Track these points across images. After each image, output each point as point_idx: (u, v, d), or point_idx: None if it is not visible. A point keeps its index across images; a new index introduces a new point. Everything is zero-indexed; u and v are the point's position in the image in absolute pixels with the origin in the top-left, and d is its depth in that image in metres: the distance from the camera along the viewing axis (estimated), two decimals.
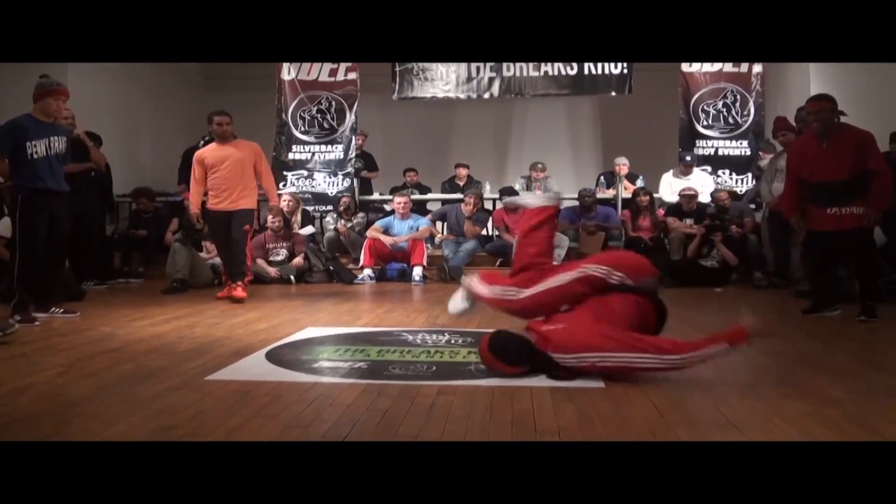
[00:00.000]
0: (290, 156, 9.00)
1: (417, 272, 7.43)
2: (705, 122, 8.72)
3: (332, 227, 8.11)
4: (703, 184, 8.09)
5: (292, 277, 7.25)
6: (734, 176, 8.65)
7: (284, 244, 7.48)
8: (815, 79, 7.87)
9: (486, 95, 9.12)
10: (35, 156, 4.49)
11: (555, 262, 3.52)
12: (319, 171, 8.96)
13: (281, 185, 8.76)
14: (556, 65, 8.84)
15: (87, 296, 5.75)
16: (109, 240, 7.64)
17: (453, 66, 8.97)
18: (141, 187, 8.22)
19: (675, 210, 7.74)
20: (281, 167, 8.93)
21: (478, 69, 8.98)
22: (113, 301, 5.72)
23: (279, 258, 7.43)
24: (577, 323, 2.88)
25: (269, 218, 7.28)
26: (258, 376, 2.94)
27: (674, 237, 7.39)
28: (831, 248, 4.70)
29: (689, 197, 7.61)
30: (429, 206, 9.28)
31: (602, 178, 9.12)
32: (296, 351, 3.52)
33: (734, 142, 8.69)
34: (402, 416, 2.33)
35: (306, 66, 9.03)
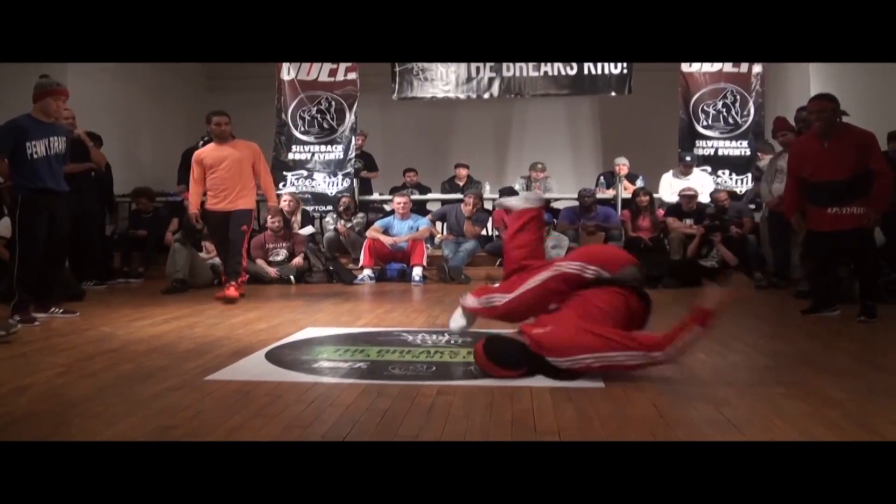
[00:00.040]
0: (290, 156, 9.01)
1: (417, 272, 7.43)
2: (705, 123, 8.72)
3: (331, 227, 8.11)
4: (702, 184, 8.09)
5: (292, 277, 7.25)
6: (734, 176, 8.66)
7: (284, 244, 7.48)
8: (814, 79, 7.88)
9: (486, 95, 9.12)
10: (35, 156, 4.49)
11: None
12: (319, 172, 8.96)
13: (281, 185, 8.76)
14: (555, 65, 8.85)
15: (86, 296, 5.75)
16: (109, 240, 7.64)
17: (453, 67, 8.97)
18: (141, 187, 8.22)
19: (674, 210, 7.74)
20: (281, 167, 8.93)
21: (478, 69, 8.98)
22: (113, 301, 5.72)
23: (279, 258, 7.43)
24: (564, 324, 2.87)
25: (269, 218, 7.28)
26: (258, 376, 2.94)
27: (673, 237, 7.39)
28: (831, 248, 4.70)
29: (688, 197, 7.62)
30: (429, 207, 9.28)
31: (602, 178, 9.12)
32: (296, 351, 3.52)
33: (734, 142, 8.70)
34: (401, 416, 2.33)
35: (306, 66, 9.04)
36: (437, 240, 8.25)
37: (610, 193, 8.64)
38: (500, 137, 11.25)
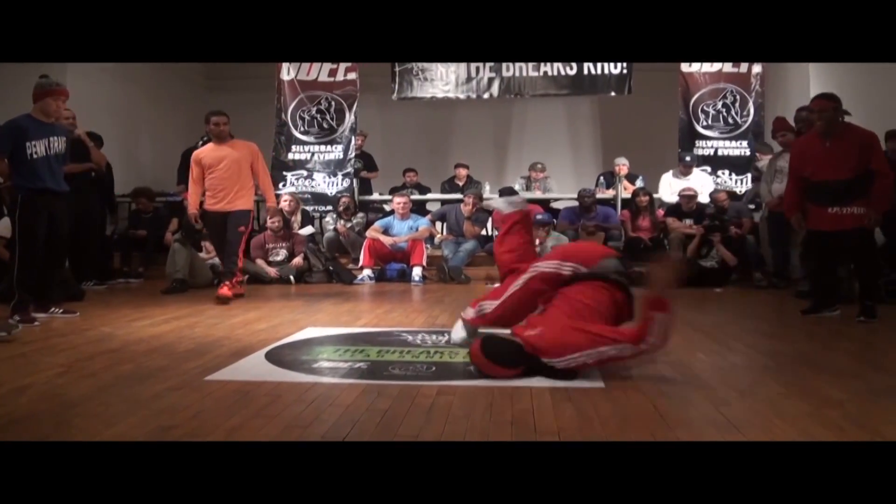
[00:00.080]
0: (290, 156, 9.01)
1: (417, 272, 7.43)
2: (705, 123, 8.72)
3: (331, 227, 8.11)
4: (702, 184, 8.09)
5: (292, 278, 7.25)
6: (734, 176, 8.66)
7: (284, 244, 7.48)
8: (814, 79, 7.87)
9: (486, 95, 9.12)
10: (34, 156, 4.49)
11: None
12: (319, 172, 8.96)
13: (280, 185, 8.76)
14: (555, 65, 8.85)
15: (86, 296, 5.75)
16: (109, 240, 7.63)
17: (453, 67, 8.97)
18: (140, 187, 8.22)
19: (674, 210, 7.74)
20: (280, 167, 8.94)
21: (477, 69, 8.98)
22: (113, 301, 5.71)
23: (279, 258, 7.43)
24: (553, 324, 2.87)
25: (268, 218, 7.28)
26: (258, 376, 2.94)
27: (673, 237, 7.39)
28: (831, 247, 4.70)
29: (688, 197, 7.62)
30: (428, 207, 9.28)
31: (602, 178, 9.12)
32: (295, 351, 3.52)
33: (734, 142, 8.70)
34: (401, 416, 2.33)
35: (306, 66, 9.04)
36: (436, 240, 8.25)
37: (610, 193, 8.65)
38: (500, 137, 11.25)
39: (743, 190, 8.41)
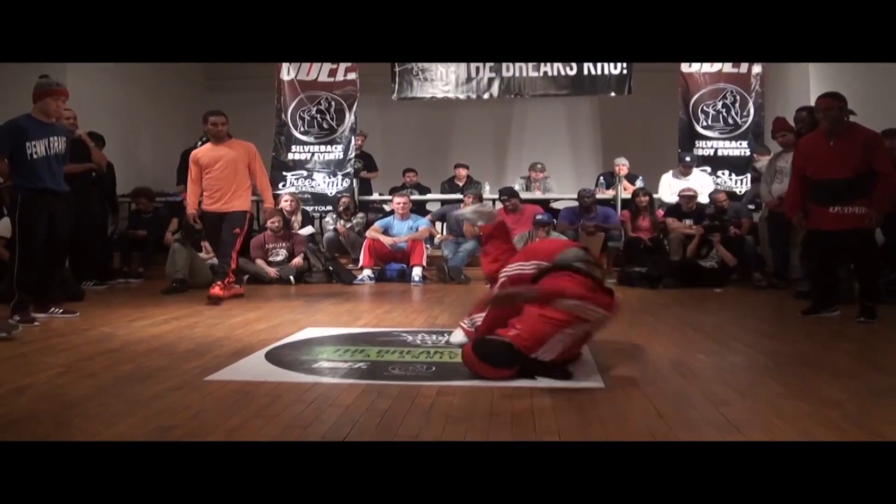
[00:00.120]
0: (290, 156, 9.01)
1: (417, 273, 7.43)
2: (705, 123, 8.72)
3: (331, 227, 8.11)
4: (702, 184, 8.09)
5: (292, 278, 7.24)
6: (734, 176, 8.66)
7: (284, 244, 7.48)
8: (814, 79, 7.87)
9: (486, 96, 9.12)
10: (34, 156, 4.49)
11: None
12: (319, 172, 8.96)
13: (280, 185, 8.77)
14: (555, 65, 8.84)
15: (86, 296, 5.75)
16: (109, 240, 7.63)
17: (453, 67, 8.97)
18: (140, 187, 8.22)
19: (674, 210, 7.74)
20: (280, 167, 8.94)
21: (477, 69, 8.97)
22: (112, 301, 5.71)
23: (279, 258, 7.42)
24: (528, 319, 2.89)
25: (268, 219, 7.28)
26: (258, 377, 2.94)
27: (673, 238, 7.39)
28: (832, 247, 4.70)
29: (688, 197, 7.62)
30: (428, 207, 9.28)
31: (601, 178, 9.11)
32: (295, 351, 3.52)
33: (734, 142, 8.70)
34: (401, 416, 2.33)
35: (306, 66, 9.03)
36: (436, 240, 8.25)
37: (609, 194, 8.64)
38: (500, 138, 11.25)
39: (743, 190, 8.41)
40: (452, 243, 7.89)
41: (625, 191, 8.49)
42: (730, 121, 8.69)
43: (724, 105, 8.69)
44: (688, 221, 7.51)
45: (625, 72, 8.67)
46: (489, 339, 2.96)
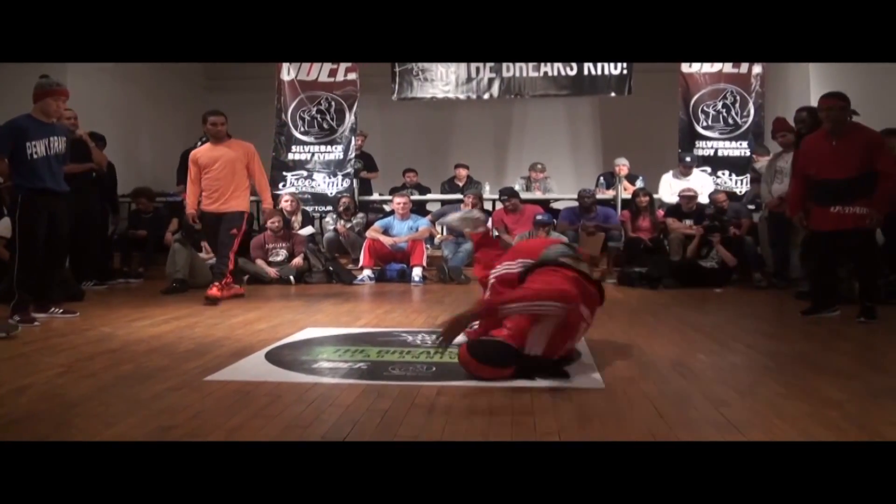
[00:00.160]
0: (290, 156, 9.01)
1: (417, 273, 7.43)
2: (705, 123, 8.73)
3: (331, 227, 8.11)
4: (702, 185, 8.10)
5: (292, 278, 7.24)
6: (734, 177, 8.66)
7: (284, 244, 7.48)
8: (814, 79, 7.88)
9: (486, 96, 9.12)
10: (35, 156, 4.49)
11: None
12: (319, 172, 8.96)
13: (280, 185, 8.77)
14: (555, 65, 8.85)
15: (86, 296, 5.75)
16: (109, 240, 7.63)
17: (453, 67, 8.97)
18: (141, 187, 8.22)
19: (674, 211, 7.74)
20: (280, 167, 8.94)
21: (477, 70, 8.98)
22: (113, 301, 5.71)
23: (279, 258, 7.43)
24: (514, 316, 2.90)
25: (266, 219, 7.28)
26: (258, 377, 2.94)
27: (673, 238, 7.39)
28: (832, 247, 4.69)
29: (688, 198, 7.62)
30: (428, 207, 9.28)
31: (602, 178, 9.12)
32: (295, 351, 3.52)
33: (734, 143, 8.70)
34: (401, 416, 2.33)
35: (306, 66, 9.04)
36: (436, 240, 8.25)
37: (610, 194, 8.64)
38: (500, 138, 11.25)
39: (743, 191, 8.41)
40: (452, 243, 7.89)
41: (625, 191, 8.50)
42: (730, 121, 8.69)
43: (724, 105, 8.69)
44: (688, 222, 7.51)
45: (625, 72, 8.68)
46: (483, 340, 2.97)
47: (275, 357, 3.36)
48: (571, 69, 8.82)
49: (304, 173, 8.97)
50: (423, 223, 7.93)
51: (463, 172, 9.46)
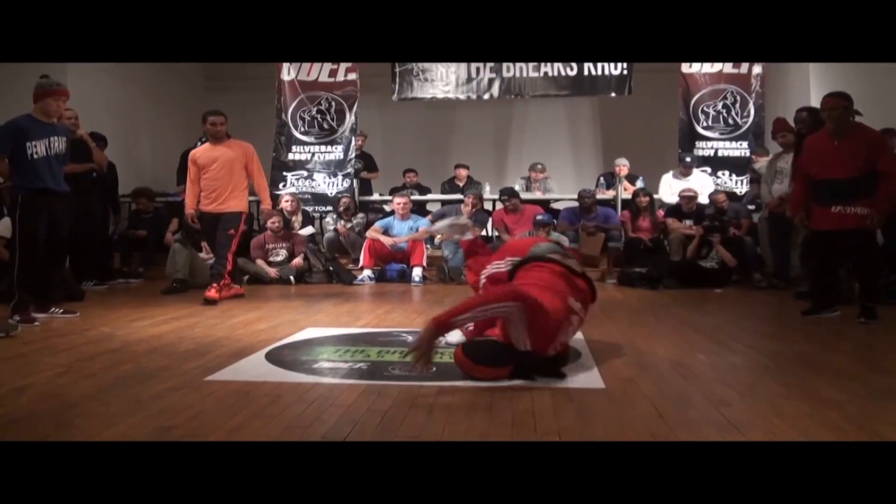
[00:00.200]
0: (290, 156, 9.01)
1: (417, 273, 7.43)
2: (705, 123, 8.72)
3: (331, 227, 8.11)
4: (702, 185, 8.09)
5: (292, 278, 7.24)
6: (734, 177, 8.66)
7: (284, 244, 7.48)
8: (814, 79, 7.87)
9: (486, 96, 9.12)
10: (35, 156, 4.49)
11: None
12: (319, 172, 8.96)
13: (281, 185, 8.77)
14: (555, 65, 8.84)
15: (86, 296, 5.75)
16: (110, 240, 7.63)
17: (453, 67, 8.97)
18: (141, 187, 8.22)
19: (674, 211, 7.74)
20: (281, 168, 8.94)
21: (478, 70, 8.98)
22: (113, 301, 5.71)
23: (279, 258, 7.43)
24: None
25: (268, 219, 7.28)
26: (258, 377, 2.94)
27: (673, 238, 7.39)
28: (832, 247, 4.69)
29: (688, 198, 7.62)
30: (428, 207, 9.28)
31: (602, 178, 9.12)
32: (296, 351, 3.52)
33: (734, 143, 8.70)
34: (402, 416, 2.33)
35: (306, 66, 9.03)
36: (436, 240, 8.24)
37: (610, 194, 8.64)
38: (500, 138, 11.25)
39: (743, 191, 8.41)
40: (452, 243, 7.85)
41: (625, 191, 8.50)
42: (730, 121, 8.69)
43: (724, 105, 8.69)
44: (688, 222, 7.51)
45: (625, 72, 8.67)
46: (478, 341, 2.99)
47: (275, 357, 3.36)
48: (571, 69, 8.81)
49: (305, 173, 8.97)
50: (423, 223, 7.92)
51: (463, 173, 9.46)
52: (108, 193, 7.20)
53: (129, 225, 8.12)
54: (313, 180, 8.94)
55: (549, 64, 8.82)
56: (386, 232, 7.82)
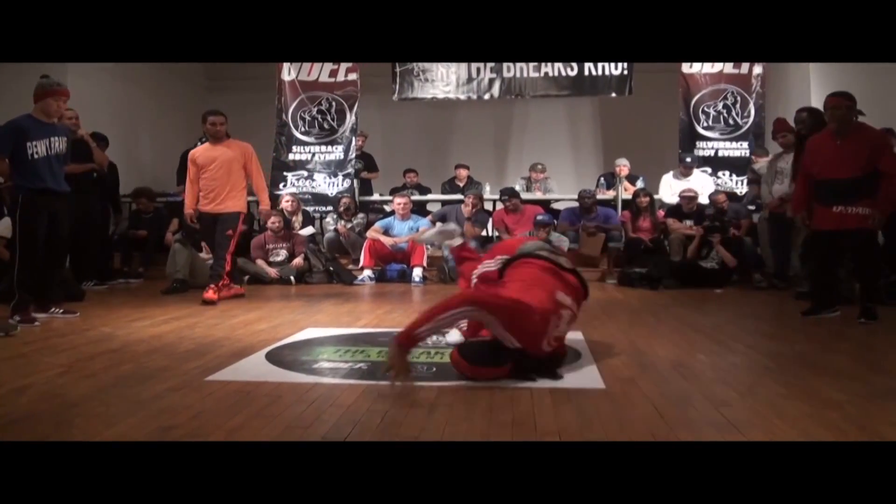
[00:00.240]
0: (291, 156, 9.01)
1: (417, 273, 7.43)
2: (705, 124, 8.72)
3: (332, 227, 8.11)
4: (702, 185, 8.09)
5: (292, 278, 7.25)
6: (734, 177, 8.66)
7: (284, 245, 7.48)
8: (815, 79, 7.88)
9: (487, 96, 9.12)
10: (35, 156, 4.49)
11: None
12: (319, 172, 8.96)
13: (281, 185, 8.78)
14: (556, 66, 8.84)
15: (86, 296, 5.75)
16: (110, 240, 7.64)
17: (453, 67, 8.97)
18: (141, 187, 8.23)
19: (674, 211, 7.74)
20: (281, 168, 8.94)
21: (478, 70, 8.98)
22: (113, 301, 5.72)
23: (279, 259, 7.43)
24: None
25: (271, 218, 7.29)
26: (258, 377, 2.94)
27: (673, 238, 7.39)
28: (833, 247, 4.69)
29: (689, 198, 7.62)
30: (429, 207, 9.28)
31: (602, 179, 9.12)
32: (296, 352, 3.52)
33: (734, 143, 8.70)
34: (402, 416, 2.33)
35: (306, 66, 9.04)
36: (427, 250, 8.23)
37: (610, 194, 8.64)
38: (501, 138, 11.25)
39: (743, 191, 8.41)
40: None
41: (625, 191, 8.50)
42: (730, 121, 8.69)
43: (724, 106, 8.69)
44: (688, 222, 7.51)
45: (625, 72, 8.67)
46: (473, 341, 3.00)
47: (275, 357, 3.36)
48: (572, 69, 8.81)
49: (305, 173, 8.97)
50: (423, 223, 7.92)
51: (463, 173, 9.46)
52: (109, 193, 7.20)
53: (129, 225, 8.12)
54: (314, 180, 8.94)
55: (549, 64, 8.83)
56: (386, 232, 7.82)
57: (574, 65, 8.76)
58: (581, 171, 10.67)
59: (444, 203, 8.97)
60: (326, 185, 8.92)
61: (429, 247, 7.86)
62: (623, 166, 8.62)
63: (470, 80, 8.99)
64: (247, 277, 7.03)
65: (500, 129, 11.19)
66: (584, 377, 2.90)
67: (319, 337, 3.99)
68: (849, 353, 3.62)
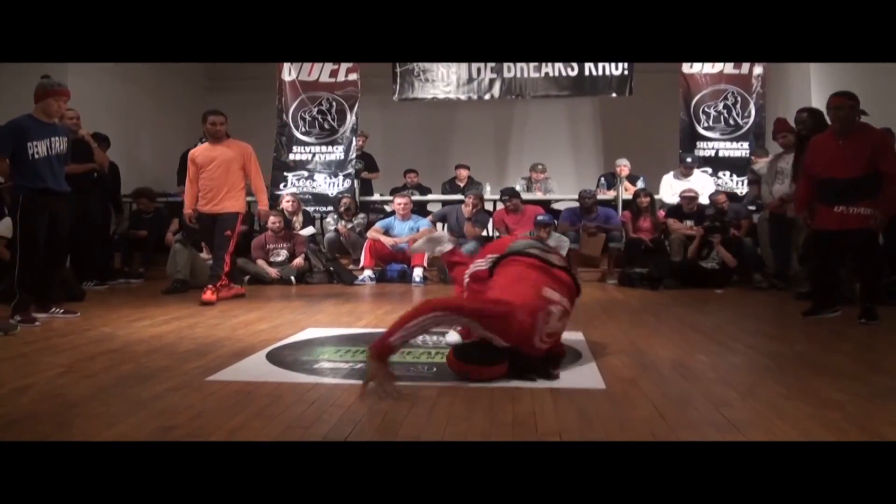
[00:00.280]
0: (291, 156, 9.01)
1: (418, 273, 7.43)
2: (706, 124, 8.72)
3: (332, 227, 8.11)
4: (703, 185, 8.10)
5: (293, 278, 7.25)
6: (734, 178, 8.66)
7: (285, 245, 7.48)
8: (815, 79, 7.87)
9: (487, 96, 9.12)
10: (36, 156, 4.49)
11: None
12: (320, 172, 8.96)
13: (281, 185, 8.78)
14: (556, 66, 8.84)
15: (87, 296, 5.75)
16: (110, 240, 7.64)
17: (454, 67, 8.97)
18: (141, 188, 8.23)
19: (675, 211, 7.75)
20: (281, 168, 8.94)
21: (478, 70, 8.98)
22: (113, 301, 5.72)
23: (280, 259, 7.43)
24: None
25: (271, 219, 7.29)
26: (259, 377, 2.94)
27: (674, 238, 7.39)
28: (834, 247, 4.69)
29: (689, 198, 7.62)
30: (429, 207, 9.28)
31: (603, 179, 9.12)
32: (296, 352, 3.52)
33: (735, 143, 8.70)
34: (402, 417, 2.33)
35: (307, 66, 9.04)
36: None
37: (611, 194, 8.65)
38: (501, 138, 11.26)
39: (744, 191, 8.41)
40: (454, 244, 7.87)
41: (626, 191, 8.50)
42: (731, 122, 8.69)
43: (725, 106, 8.69)
44: (689, 222, 7.51)
45: (626, 72, 8.67)
46: (467, 342, 3.01)
47: (276, 357, 3.36)
48: (572, 70, 8.81)
49: (305, 174, 8.97)
50: (423, 224, 7.93)
51: (464, 173, 9.46)
52: (110, 194, 7.20)
53: (129, 225, 8.13)
54: (314, 180, 8.94)
55: (549, 64, 8.82)
56: (387, 232, 7.82)
57: (574, 65, 8.76)
58: (581, 171, 10.67)
59: (444, 203, 8.97)
60: (327, 185, 8.92)
61: None
62: (623, 166, 8.62)
63: (470, 80, 8.99)
64: (247, 277, 7.04)
65: (500, 129, 11.20)
66: (585, 377, 2.90)
67: (320, 337, 3.99)
68: (849, 354, 3.62)
